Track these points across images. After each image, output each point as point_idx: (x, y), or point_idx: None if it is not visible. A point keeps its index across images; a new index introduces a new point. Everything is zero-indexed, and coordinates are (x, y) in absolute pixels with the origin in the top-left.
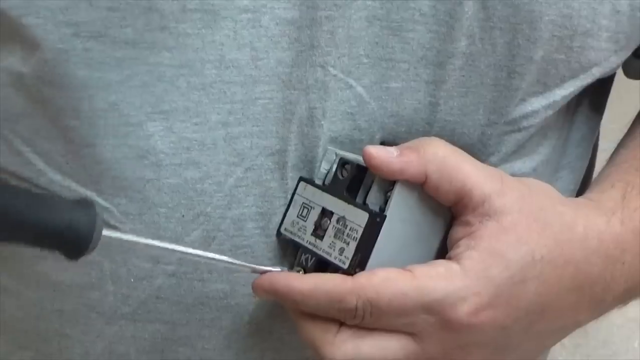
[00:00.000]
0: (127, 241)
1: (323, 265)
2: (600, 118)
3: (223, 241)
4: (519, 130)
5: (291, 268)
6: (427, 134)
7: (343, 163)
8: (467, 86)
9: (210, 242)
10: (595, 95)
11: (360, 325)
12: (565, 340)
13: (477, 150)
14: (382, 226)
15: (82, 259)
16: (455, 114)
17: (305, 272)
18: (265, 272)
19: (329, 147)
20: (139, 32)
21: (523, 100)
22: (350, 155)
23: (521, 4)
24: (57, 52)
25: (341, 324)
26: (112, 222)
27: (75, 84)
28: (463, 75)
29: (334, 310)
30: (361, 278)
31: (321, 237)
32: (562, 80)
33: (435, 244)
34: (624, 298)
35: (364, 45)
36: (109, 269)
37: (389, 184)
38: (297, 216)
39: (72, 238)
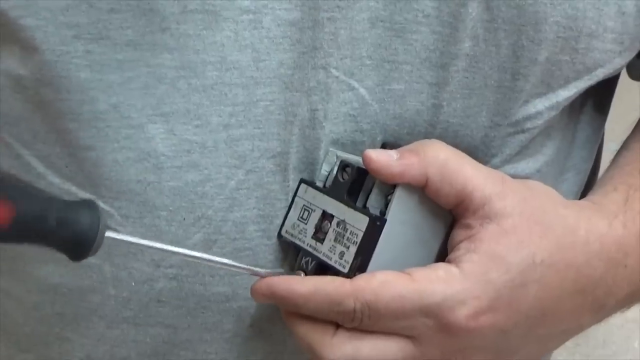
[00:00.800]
0: (129, 243)
1: (323, 269)
2: (605, 119)
3: (224, 244)
4: (523, 131)
5: (292, 271)
6: (429, 135)
7: (344, 166)
8: (471, 88)
9: (212, 245)
10: (600, 96)
11: (358, 328)
12: None
13: (480, 151)
14: (382, 230)
15: (84, 262)
16: (459, 115)
17: (305, 275)
18: (265, 275)
19: (330, 149)
20: (139, 34)
21: (527, 101)
22: (351, 158)
23: (525, 5)
24: (57, 54)
25: (338, 326)
26: (113, 225)
27: (75, 86)
28: (466, 77)
29: (333, 313)
30: (360, 281)
31: (322, 241)
32: (567, 82)
33: (435, 247)
34: (626, 302)
35: (367, 46)
36: (110, 272)
37: (389, 187)
38: (298, 219)
39: (75, 239)
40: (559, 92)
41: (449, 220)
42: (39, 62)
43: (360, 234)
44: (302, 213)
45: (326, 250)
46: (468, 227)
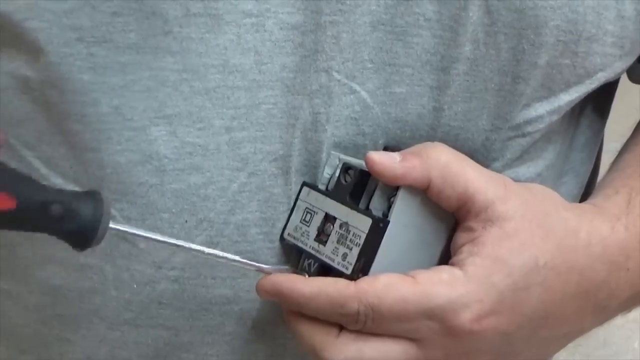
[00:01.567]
0: (133, 234)
1: (326, 271)
2: (605, 122)
3: (226, 247)
4: (524, 135)
5: (295, 270)
6: (431, 139)
7: (346, 168)
8: (472, 91)
9: (214, 247)
10: (599, 100)
11: (362, 330)
12: None
13: (481, 155)
14: (385, 232)
15: (85, 263)
16: (460, 119)
17: (308, 277)
18: (270, 271)
19: (332, 152)
20: (142, 37)
21: (527, 105)
22: (353, 160)
23: (526, 9)
24: (61, 56)
25: (342, 328)
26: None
27: (78, 88)
28: (467, 81)
29: (336, 315)
30: (363, 283)
31: (324, 243)
32: (567, 86)
33: (438, 250)
34: (628, 305)
35: (369, 50)
36: (112, 274)
37: (392, 190)
38: (300, 221)
39: (79, 228)
40: (560, 96)
41: (452, 223)
42: (44, 63)
43: (363, 236)
44: (304, 216)
45: (329, 252)
46: (470, 230)
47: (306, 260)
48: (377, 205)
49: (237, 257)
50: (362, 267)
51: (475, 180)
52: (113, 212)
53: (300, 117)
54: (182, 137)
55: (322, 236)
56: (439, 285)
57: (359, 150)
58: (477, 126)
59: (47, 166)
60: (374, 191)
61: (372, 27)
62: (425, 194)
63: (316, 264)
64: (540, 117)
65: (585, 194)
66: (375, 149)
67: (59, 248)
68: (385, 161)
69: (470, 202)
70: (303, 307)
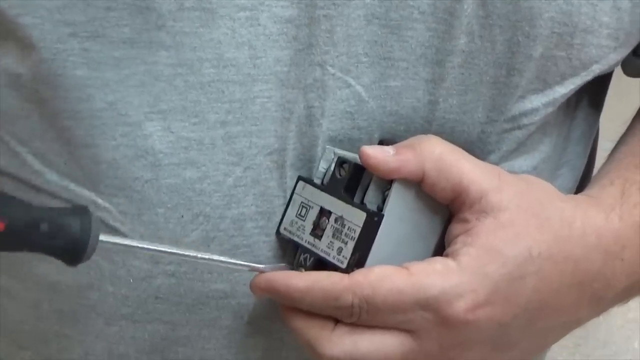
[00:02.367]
0: (124, 246)
1: (322, 265)
2: (599, 115)
3: (223, 241)
4: (519, 127)
5: (291, 267)
6: (426, 132)
7: (341, 162)
8: (467, 84)
9: (210, 242)
10: (594, 92)
11: (357, 323)
12: (565, 340)
13: (477, 148)
14: (379, 225)
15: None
16: (455, 112)
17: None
18: (264, 270)
19: (328, 146)
20: (136, 32)
21: (522, 97)
22: (348, 154)
23: (520, 1)
24: (54, 52)
25: (337, 321)
26: (111, 222)
27: (72, 83)
28: (462, 73)
29: (331, 308)
30: (357, 275)
31: (319, 237)
32: (563, 78)
33: (433, 242)
34: (624, 295)
35: (363, 44)
36: (108, 269)
37: (386, 183)
38: (296, 216)
39: (68, 246)
40: (556, 88)
41: (446, 215)
42: (37, 60)
43: (358, 230)
44: (300, 210)
45: (324, 247)
46: (465, 221)
47: (302, 254)
48: (371, 199)
49: (231, 260)
50: (357, 261)
51: (469, 172)
52: (109, 207)
53: (295, 111)
54: (177, 132)
55: (317, 230)
56: (433, 276)
57: (354, 144)
58: (473, 119)
59: (41, 162)
60: (368, 185)
61: (366, 21)
62: (419, 187)
63: (312, 259)
64: (535, 110)
65: (580, 188)
66: (371, 142)
67: None
68: (379, 155)
69: (465, 194)
70: (298, 302)
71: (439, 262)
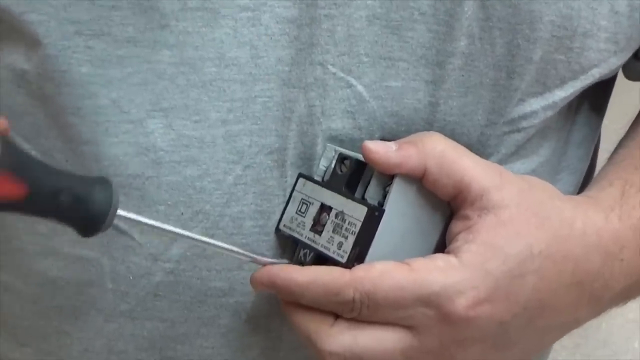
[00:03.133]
0: (139, 222)
1: (322, 261)
2: (601, 120)
3: (222, 239)
4: (518, 130)
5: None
6: None
7: (342, 158)
8: (467, 86)
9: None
10: (596, 97)
11: (357, 318)
12: (566, 340)
13: (476, 150)
14: (380, 220)
15: (82, 256)
16: (455, 114)
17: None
18: (266, 263)
19: (328, 144)
20: (139, 31)
21: (522, 100)
22: (349, 152)
23: (521, 4)
24: (59, 49)
25: (337, 316)
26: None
27: (76, 80)
28: (462, 75)
29: (332, 303)
30: (359, 271)
31: (320, 232)
32: (562, 81)
33: (434, 239)
34: (622, 296)
35: (364, 44)
36: (108, 266)
37: (387, 179)
38: (296, 212)
39: (88, 215)
40: (555, 91)
41: (448, 212)
42: (42, 56)
43: (359, 224)
44: (300, 206)
45: (324, 242)
46: (466, 218)
47: (302, 250)
48: (372, 194)
49: (235, 248)
50: (358, 256)
51: (471, 169)
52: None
53: (296, 110)
54: (178, 130)
55: (317, 226)
56: (434, 272)
57: (355, 143)
58: (473, 121)
59: (44, 159)
60: (369, 181)
61: (367, 21)
62: (420, 183)
63: (312, 254)
64: (534, 113)
65: (582, 191)
66: None
67: (57, 241)
68: (381, 150)
69: (466, 191)
70: (299, 297)
71: (440, 258)
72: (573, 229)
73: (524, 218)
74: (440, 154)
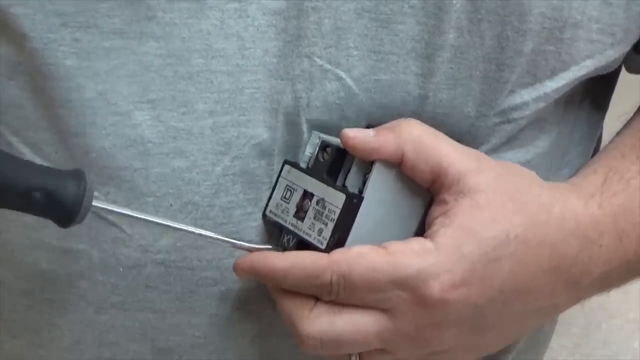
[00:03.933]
0: (117, 213)
1: (304, 246)
2: (603, 116)
3: (212, 229)
4: (509, 121)
5: (277, 249)
6: None
7: (324, 146)
8: (456, 79)
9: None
10: (599, 92)
11: (335, 301)
12: (565, 340)
13: (467, 141)
14: (359, 207)
15: (72, 248)
16: (444, 106)
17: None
18: (250, 249)
19: (314, 132)
20: (126, 22)
21: (512, 92)
22: (332, 139)
23: None
24: (45, 42)
25: (317, 300)
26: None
27: (63, 73)
28: (452, 68)
29: (311, 287)
30: (336, 254)
31: (302, 219)
32: (553, 72)
33: (413, 225)
34: (602, 282)
35: (353, 37)
36: (98, 258)
37: (367, 166)
38: (281, 198)
39: (60, 207)
40: (546, 82)
41: (428, 199)
42: (30, 49)
43: (338, 211)
44: (284, 193)
45: (306, 228)
46: (443, 202)
47: (285, 236)
48: (353, 182)
49: (218, 235)
50: (337, 242)
51: (448, 154)
52: (99, 196)
53: (283, 101)
54: (166, 122)
55: (300, 212)
56: (410, 255)
57: None
58: (463, 113)
59: (33, 152)
60: (350, 168)
61: (356, 14)
62: (400, 170)
63: (294, 240)
64: (525, 104)
65: None
66: None
67: (45, 233)
68: (359, 135)
69: (444, 175)
70: (281, 282)
71: (416, 242)
72: (551, 214)
73: (500, 203)
74: (418, 139)
